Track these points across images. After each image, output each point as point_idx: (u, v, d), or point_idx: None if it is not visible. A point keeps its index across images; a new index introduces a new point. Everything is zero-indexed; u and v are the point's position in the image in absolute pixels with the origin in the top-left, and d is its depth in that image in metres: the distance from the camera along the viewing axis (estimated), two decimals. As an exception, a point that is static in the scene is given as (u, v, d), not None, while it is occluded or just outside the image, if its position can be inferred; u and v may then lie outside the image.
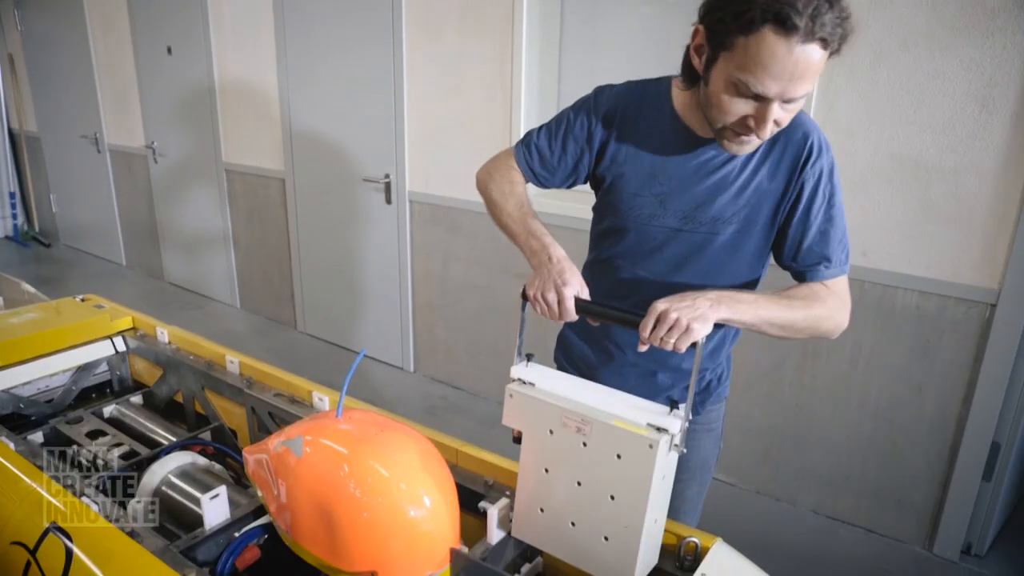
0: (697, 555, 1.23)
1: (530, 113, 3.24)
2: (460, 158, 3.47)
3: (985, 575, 2.47)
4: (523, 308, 1.27)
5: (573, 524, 1.22)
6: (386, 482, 1.23)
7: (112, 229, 5.94)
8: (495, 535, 1.35)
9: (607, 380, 1.53)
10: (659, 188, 1.30)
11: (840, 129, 2.43)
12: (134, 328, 2.41)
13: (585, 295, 1.23)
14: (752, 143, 1.20)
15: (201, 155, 4.83)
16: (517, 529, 1.33)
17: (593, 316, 1.22)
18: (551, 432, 1.18)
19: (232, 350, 2.09)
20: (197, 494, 1.55)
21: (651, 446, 1.07)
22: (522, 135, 1.47)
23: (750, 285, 1.41)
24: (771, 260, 1.40)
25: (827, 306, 1.26)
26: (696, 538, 1.24)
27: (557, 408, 1.16)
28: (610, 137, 1.35)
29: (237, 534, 1.45)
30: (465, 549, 1.31)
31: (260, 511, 1.50)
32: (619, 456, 1.11)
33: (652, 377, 1.49)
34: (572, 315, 1.21)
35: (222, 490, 1.46)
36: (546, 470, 1.22)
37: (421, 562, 1.26)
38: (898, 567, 2.50)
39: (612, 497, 1.13)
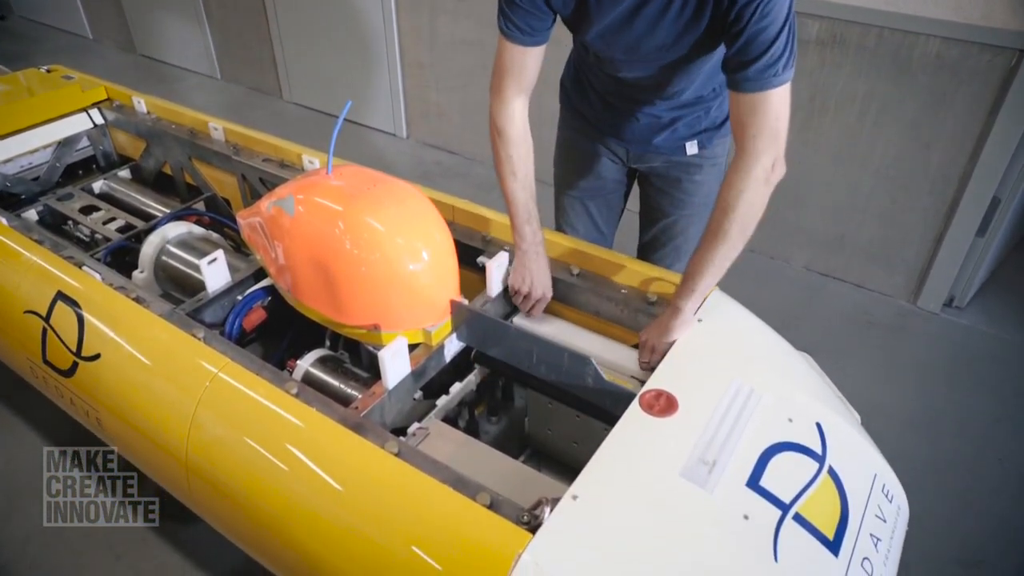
0: (694, 302, 1.26)
1: None
2: None
3: (963, 324, 2.58)
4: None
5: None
6: (382, 237, 1.22)
7: (70, -4, 5.45)
8: (494, 287, 1.38)
9: (607, 122, 1.50)
10: (597, 28, 1.24)
11: None
12: (109, 99, 2.28)
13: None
14: None
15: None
16: None
17: None
18: None
19: (214, 117, 1.99)
20: (197, 261, 1.55)
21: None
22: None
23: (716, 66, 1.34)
24: None
25: (750, 179, 1.12)
26: (694, 287, 1.25)
27: None
28: None
29: (240, 297, 1.48)
30: (465, 301, 1.34)
31: (261, 275, 1.51)
32: None
33: (656, 118, 1.45)
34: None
35: (219, 254, 1.46)
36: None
37: (422, 314, 1.29)
38: (881, 318, 2.61)
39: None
